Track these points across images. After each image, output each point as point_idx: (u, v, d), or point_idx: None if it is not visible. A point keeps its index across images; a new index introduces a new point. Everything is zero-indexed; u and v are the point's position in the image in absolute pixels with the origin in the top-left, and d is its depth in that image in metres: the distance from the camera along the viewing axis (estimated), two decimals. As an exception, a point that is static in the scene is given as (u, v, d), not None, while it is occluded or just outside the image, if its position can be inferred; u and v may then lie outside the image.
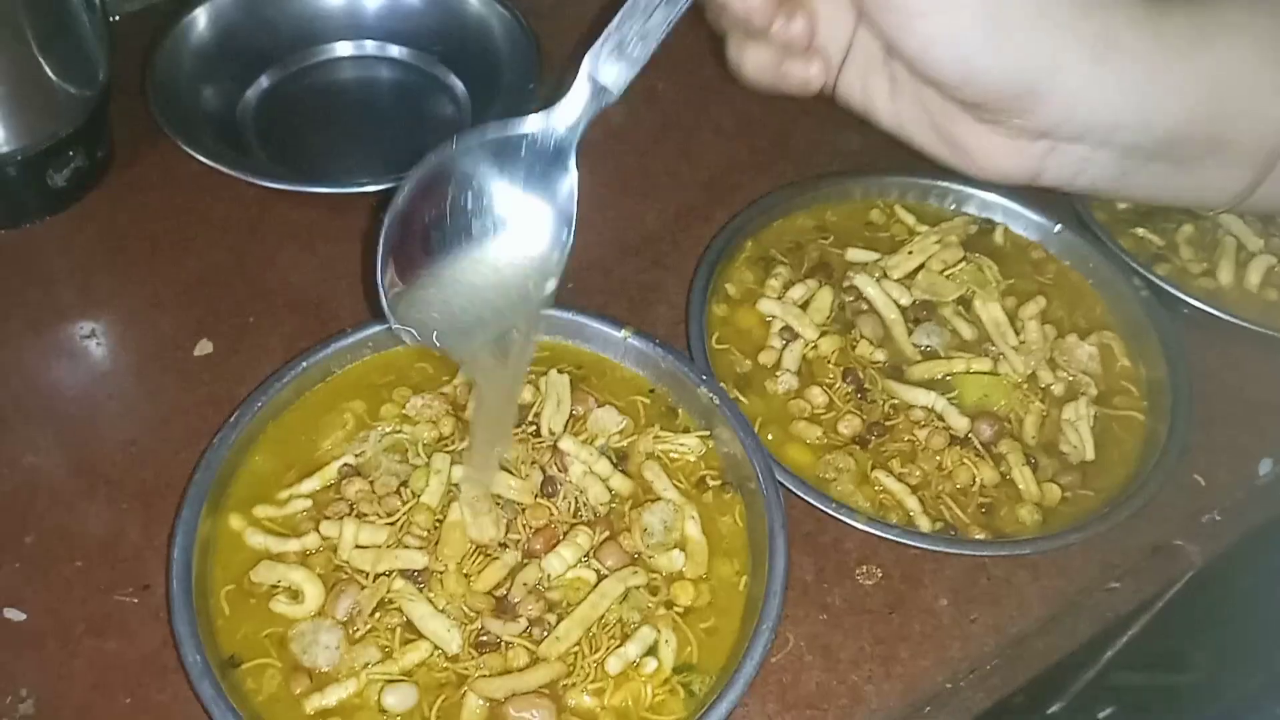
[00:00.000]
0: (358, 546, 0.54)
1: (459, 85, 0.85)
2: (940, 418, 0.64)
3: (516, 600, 0.54)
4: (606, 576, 0.56)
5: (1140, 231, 0.75)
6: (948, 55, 0.45)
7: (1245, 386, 0.71)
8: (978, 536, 0.60)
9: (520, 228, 0.50)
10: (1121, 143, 0.47)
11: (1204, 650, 1.40)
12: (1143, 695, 1.41)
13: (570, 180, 0.51)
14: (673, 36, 0.93)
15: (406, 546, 0.54)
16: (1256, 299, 0.73)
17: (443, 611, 0.53)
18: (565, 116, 0.51)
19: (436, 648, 0.52)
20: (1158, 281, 0.70)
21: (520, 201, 0.49)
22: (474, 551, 0.55)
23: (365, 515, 0.56)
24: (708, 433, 0.63)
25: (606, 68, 0.47)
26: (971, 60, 0.44)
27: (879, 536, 0.60)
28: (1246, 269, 0.73)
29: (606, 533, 0.58)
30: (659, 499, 0.59)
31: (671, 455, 0.62)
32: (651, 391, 0.65)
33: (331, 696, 0.50)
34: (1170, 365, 0.67)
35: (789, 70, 0.50)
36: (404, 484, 0.57)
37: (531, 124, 0.51)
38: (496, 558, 0.55)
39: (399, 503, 0.56)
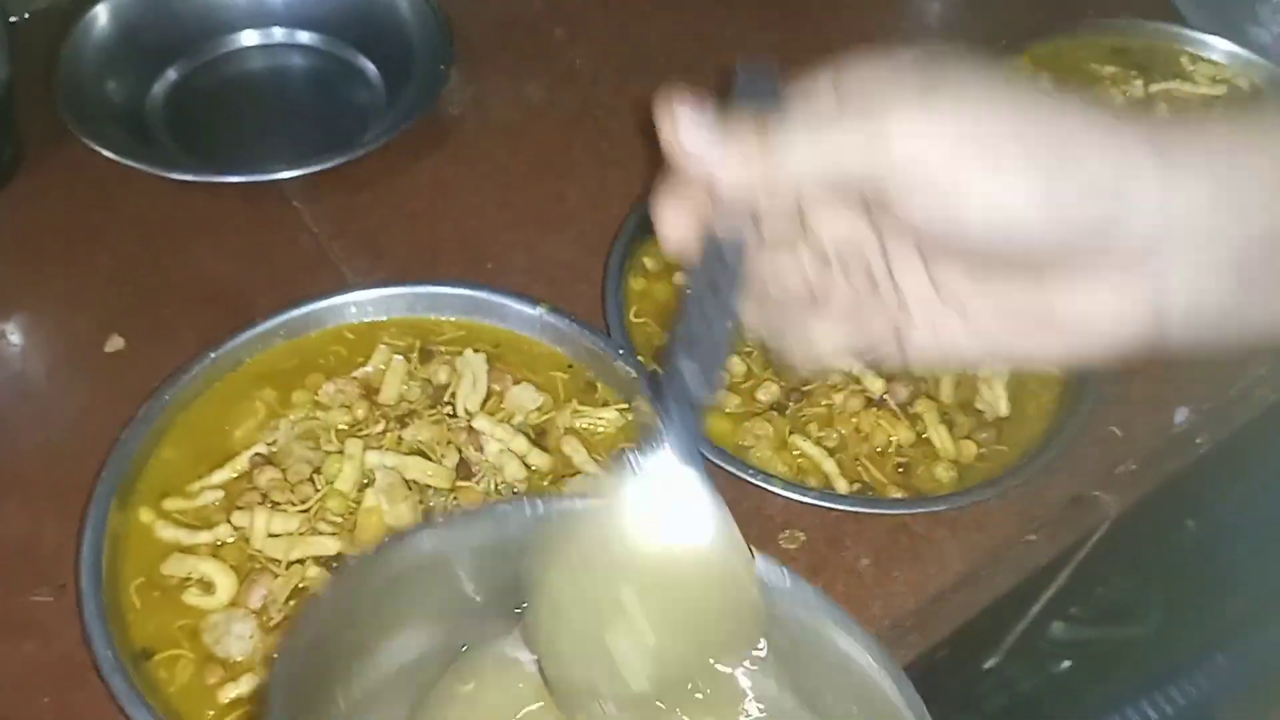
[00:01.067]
0: (270, 535, 0.54)
1: (372, 69, 0.84)
2: (857, 381, 0.65)
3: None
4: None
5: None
6: (1008, 218, 0.37)
7: (1160, 338, 0.72)
8: (895, 495, 0.61)
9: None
10: (1225, 245, 0.38)
11: (1155, 604, 1.43)
12: (1097, 648, 1.44)
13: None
14: (590, 12, 0.93)
15: (320, 533, 0.54)
16: (1168, 250, 0.74)
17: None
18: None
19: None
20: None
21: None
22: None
23: (278, 504, 0.55)
24: (627, 405, 0.63)
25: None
26: (1031, 212, 0.37)
27: (799, 501, 0.60)
28: (1158, 222, 0.74)
29: (526, 510, 0.58)
30: (579, 473, 0.60)
31: (591, 429, 0.62)
32: (570, 367, 0.65)
33: (245, 685, 0.50)
34: (1082, 319, 0.67)
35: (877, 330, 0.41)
36: (317, 471, 0.57)
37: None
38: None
39: (312, 490, 0.56)
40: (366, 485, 0.57)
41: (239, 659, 0.52)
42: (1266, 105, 0.41)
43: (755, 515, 0.62)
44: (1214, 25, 0.90)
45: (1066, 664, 1.44)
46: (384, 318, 0.66)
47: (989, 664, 0.82)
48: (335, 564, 0.54)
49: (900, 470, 0.62)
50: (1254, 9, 0.92)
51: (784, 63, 0.88)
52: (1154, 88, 0.83)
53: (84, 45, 0.77)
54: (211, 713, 0.51)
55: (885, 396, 0.64)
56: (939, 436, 0.63)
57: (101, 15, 0.78)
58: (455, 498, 0.57)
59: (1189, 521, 1.44)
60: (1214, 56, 0.88)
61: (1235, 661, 1.30)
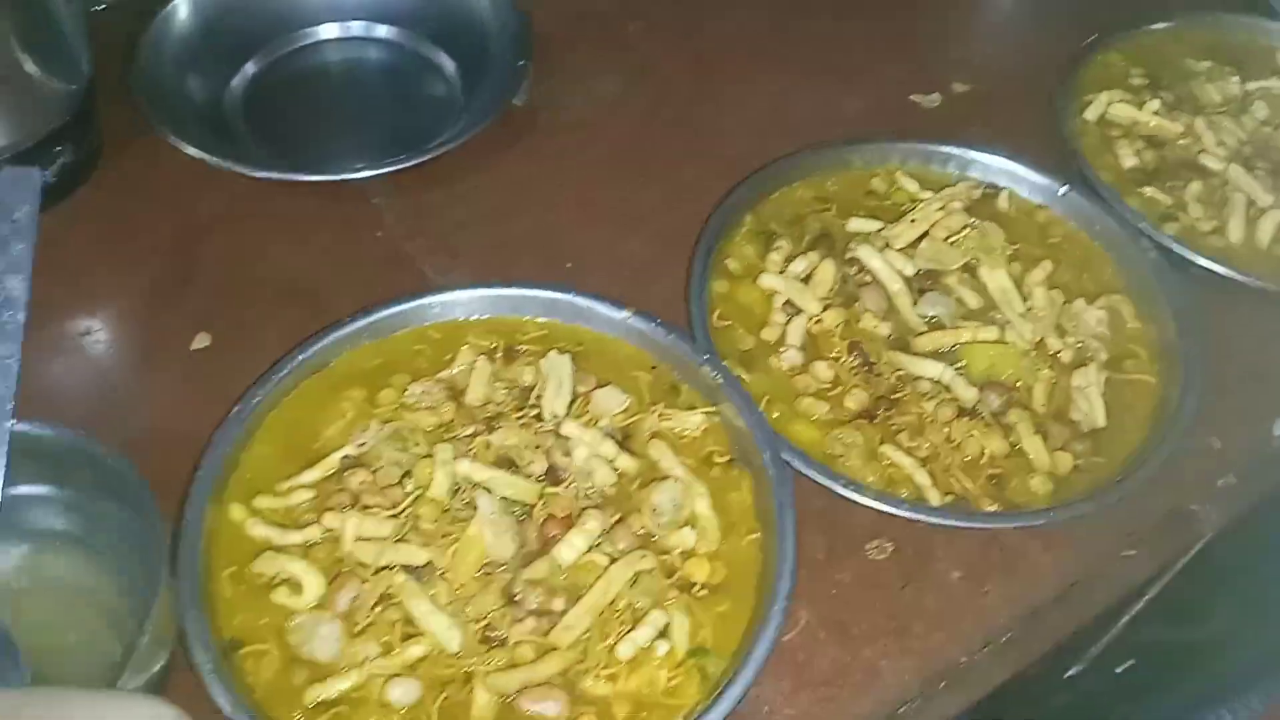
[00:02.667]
0: (360, 539, 0.54)
1: (449, 63, 0.83)
2: (948, 389, 0.63)
3: (520, 593, 0.53)
4: (617, 560, 0.55)
5: (1148, 191, 0.73)
6: None
7: (1258, 347, 0.69)
8: (989, 509, 0.60)
9: None
10: None
11: (1225, 603, 1.39)
12: (1162, 649, 1.40)
13: None
14: (663, 5, 0.92)
15: (409, 542, 0.54)
16: (1268, 256, 0.72)
17: (446, 607, 0.52)
18: None
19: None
20: (1166, 242, 0.69)
21: None
22: (486, 565, 0.55)
23: (369, 507, 0.55)
24: (713, 409, 0.62)
25: None
26: None
27: (889, 512, 0.59)
28: (1257, 226, 0.72)
29: (616, 515, 0.57)
30: (667, 477, 0.59)
31: (677, 433, 0.61)
32: (653, 368, 0.64)
33: (332, 688, 0.50)
34: (1180, 327, 0.65)
35: None
36: (407, 474, 0.57)
37: None
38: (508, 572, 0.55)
39: (402, 494, 0.56)
40: (458, 491, 0.56)
41: (324, 661, 0.51)
42: None
43: (843, 524, 0.61)
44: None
45: (1129, 664, 1.42)
46: (468, 318, 0.65)
47: (1071, 673, 0.81)
48: (422, 573, 0.53)
49: (993, 482, 0.61)
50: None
51: (865, 54, 0.86)
52: (1251, 85, 0.80)
53: (164, 38, 0.77)
54: (297, 714, 0.50)
55: (978, 405, 0.63)
56: (1034, 448, 0.61)
57: (181, 7, 0.78)
58: (545, 505, 0.56)
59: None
60: (1314, 51, 0.85)
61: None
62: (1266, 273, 0.70)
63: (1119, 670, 1.45)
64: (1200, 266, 0.69)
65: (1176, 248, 0.69)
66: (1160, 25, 0.85)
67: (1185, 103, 0.79)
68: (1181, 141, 0.77)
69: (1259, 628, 1.33)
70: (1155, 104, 0.78)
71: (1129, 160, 0.75)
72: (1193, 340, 0.65)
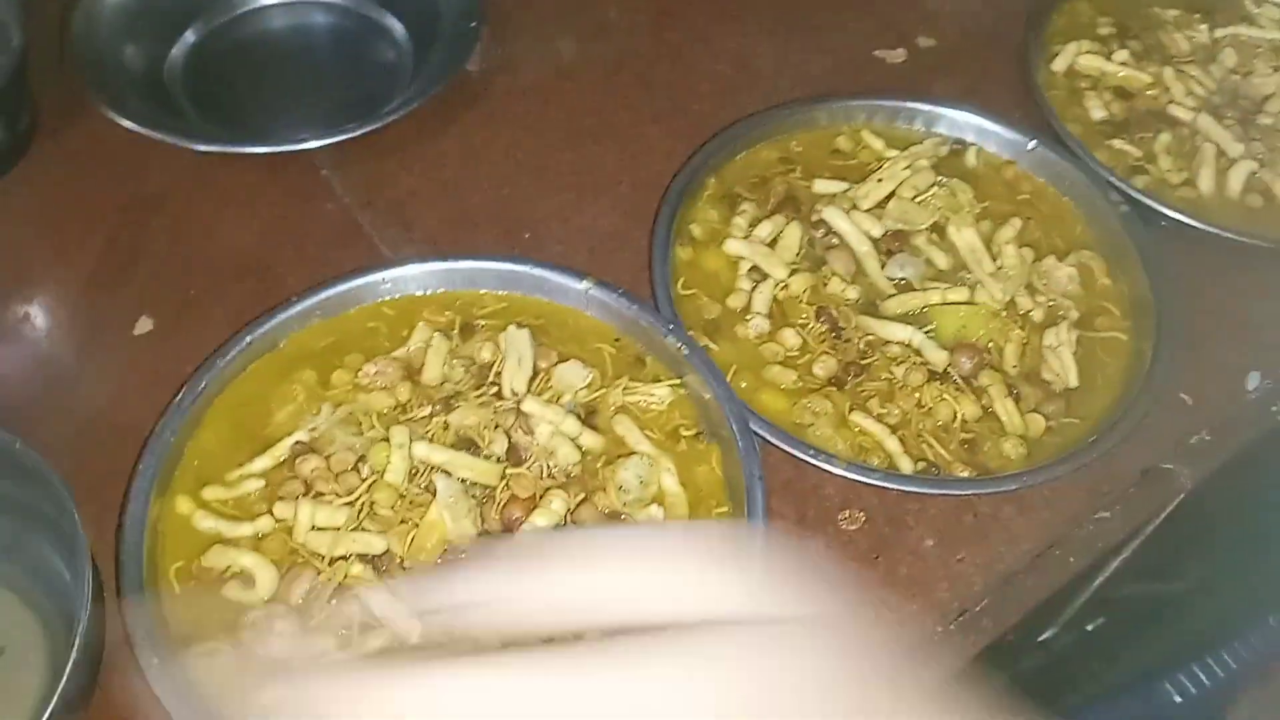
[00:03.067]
0: (315, 528, 0.52)
1: (398, 27, 0.80)
2: (918, 353, 0.62)
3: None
4: (581, 540, 0.53)
5: (1117, 143, 0.72)
6: None
7: (1230, 299, 0.68)
8: (962, 474, 0.58)
9: None
10: None
11: (1197, 559, 1.40)
12: (1134, 605, 1.41)
13: None
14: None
15: (365, 529, 0.52)
16: (1239, 207, 0.70)
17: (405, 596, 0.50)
18: None
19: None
20: (1136, 195, 0.68)
21: None
22: (446, 551, 0.53)
23: (322, 494, 0.53)
24: (678, 381, 0.60)
25: None
26: None
27: (860, 481, 0.58)
28: (1227, 176, 0.71)
29: (581, 493, 0.55)
30: (632, 453, 0.57)
31: (642, 406, 0.60)
32: (617, 340, 0.62)
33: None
34: (1152, 282, 0.64)
35: None
36: (362, 459, 0.55)
37: None
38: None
39: (357, 479, 0.54)
40: (416, 474, 0.54)
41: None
42: None
43: (813, 495, 0.60)
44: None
45: (1099, 621, 1.42)
46: (423, 293, 0.63)
47: (1044, 637, 0.80)
48: (381, 562, 0.51)
49: (966, 447, 0.60)
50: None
51: (830, 7, 0.83)
52: (1219, 32, 0.79)
53: (99, 7, 0.74)
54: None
55: (949, 369, 0.61)
56: (1006, 410, 0.60)
57: (115, -25, 0.75)
58: (506, 486, 0.54)
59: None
60: (1280, -3, 0.84)
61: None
62: (1237, 223, 0.68)
63: (1090, 628, 1.46)
64: (1170, 219, 0.67)
65: (1146, 200, 0.67)
66: (1128, -28, 0.83)
67: (1154, 52, 0.78)
68: (1150, 92, 0.75)
69: (1230, 582, 1.34)
70: (1123, 54, 0.76)
71: (1097, 112, 0.74)
72: (1164, 295, 0.64)
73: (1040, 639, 0.79)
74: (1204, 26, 0.79)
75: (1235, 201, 0.70)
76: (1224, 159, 0.71)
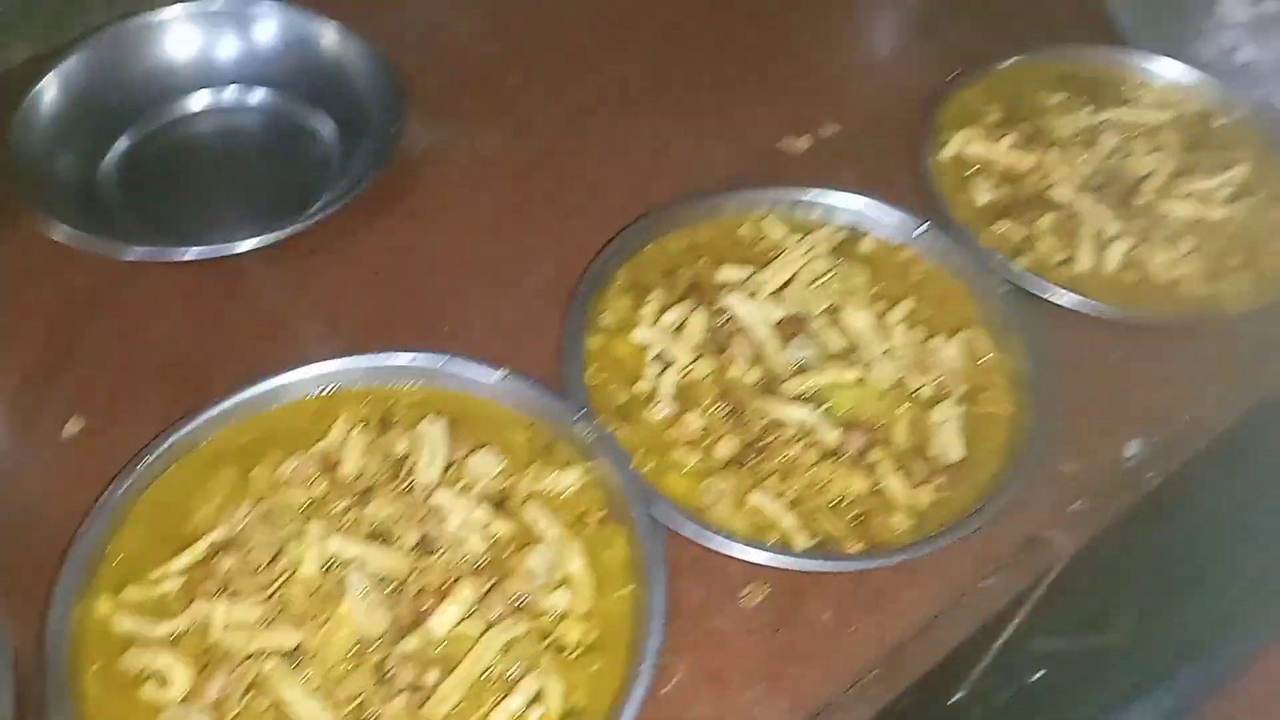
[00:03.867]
0: (229, 625, 0.54)
1: (328, 124, 0.84)
2: (813, 432, 0.66)
3: (392, 670, 0.54)
4: (492, 626, 0.56)
5: (1002, 226, 0.76)
6: None
7: (1110, 371, 0.73)
8: (854, 548, 0.62)
9: None
10: None
11: (1121, 612, 1.44)
12: (1072, 657, 1.45)
13: None
14: (543, 59, 0.93)
15: (279, 625, 0.54)
16: (1116, 283, 0.75)
17: (317, 690, 0.53)
18: None
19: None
20: (1018, 275, 0.72)
21: None
22: (359, 642, 0.55)
23: (238, 591, 0.56)
24: (588, 467, 0.63)
25: None
26: None
27: (759, 558, 0.61)
28: (1105, 254, 0.75)
29: (490, 581, 0.58)
30: (542, 539, 0.60)
31: (552, 492, 0.63)
32: (530, 428, 0.65)
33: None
34: (1033, 358, 0.68)
35: None
36: (277, 555, 0.57)
37: None
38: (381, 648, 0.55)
39: (272, 576, 0.56)
40: (330, 568, 0.57)
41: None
42: None
43: (718, 572, 0.63)
44: (1159, 43, 0.92)
45: (1041, 674, 1.46)
46: (343, 388, 0.66)
47: (956, 698, 0.83)
48: (294, 655, 0.54)
49: (857, 521, 0.63)
50: (1198, 25, 0.94)
51: (739, 101, 0.89)
52: (1100, 116, 0.84)
53: (34, 119, 0.77)
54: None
55: (841, 447, 0.65)
56: (894, 485, 0.64)
57: (51, 87, 0.78)
58: (418, 577, 0.57)
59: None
60: (1160, 81, 0.89)
61: (1210, 666, 1.31)
62: (1115, 300, 0.73)
63: (1030, 681, 1.49)
64: (1053, 296, 0.72)
65: (1028, 280, 0.72)
66: (1015, 60, 0.88)
67: (1039, 136, 0.83)
68: (1034, 175, 0.80)
69: (1156, 633, 1.38)
70: (1009, 139, 0.81)
71: (984, 196, 0.78)
72: (1044, 369, 0.68)
73: (950, 702, 0.82)
74: (1088, 110, 0.84)
75: (1113, 278, 0.75)
76: (1102, 238, 0.76)
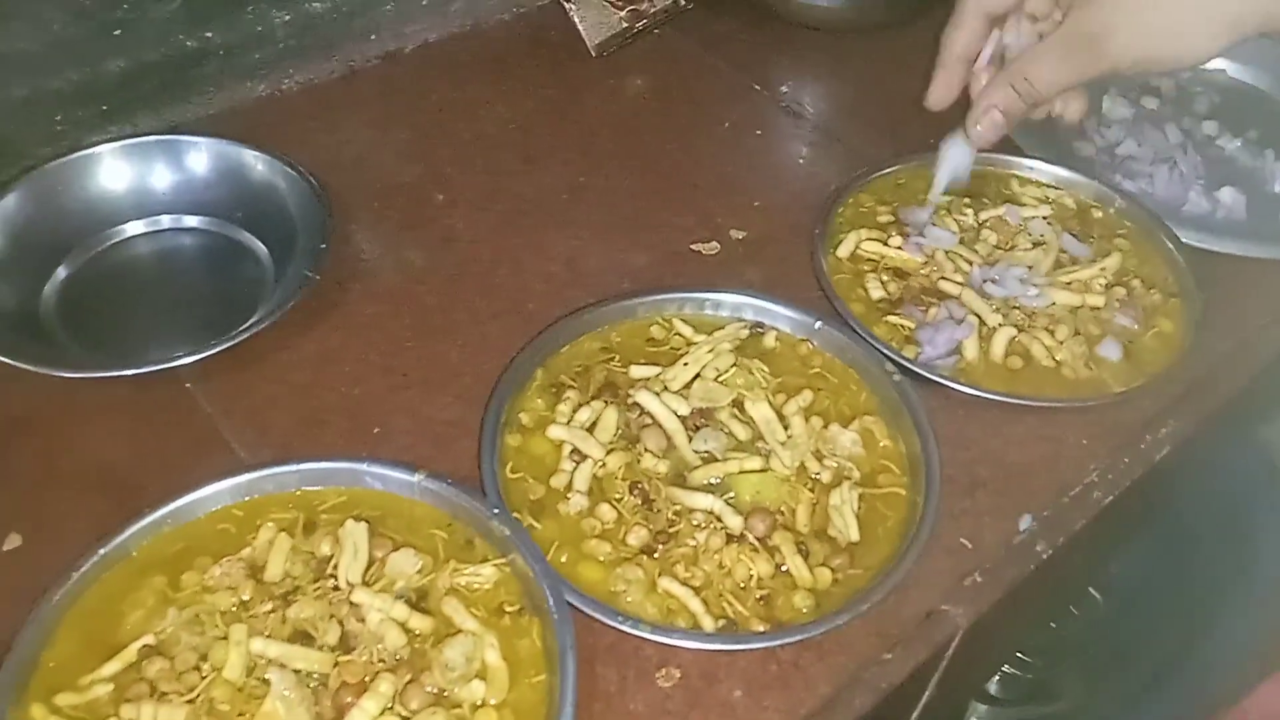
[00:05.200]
0: (156, 727, 0.57)
1: (260, 247, 0.89)
2: (718, 518, 0.69)
3: (313, 767, 0.56)
4: (409, 718, 0.59)
5: (891, 318, 0.82)
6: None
7: (1003, 451, 0.78)
8: (758, 629, 0.65)
9: None
10: None
11: (1071, 681, 1.49)
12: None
13: None
14: (465, 175, 0.99)
15: (201, 727, 0.57)
16: (1002, 369, 0.80)
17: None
18: None
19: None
20: (908, 364, 0.77)
21: None
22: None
23: (166, 694, 0.58)
24: (504, 560, 0.67)
25: None
26: None
27: (670, 641, 0.64)
28: (990, 343, 0.81)
29: (409, 675, 0.61)
30: (459, 632, 0.63)
31: (470, 587, 0.66)
32: (449, 526, 0.69)
33: None
34: (924, 441, 0.73)
35: None
36: (203, 657, 0.60)
37: None
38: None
39: (199, 678, 0.59)
40: (254, 668, 0.60)
41: None
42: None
43: (633, 656, 0.66)
44: (1045, 148, 0.99)
45: (996, 742, 1.49)
46: (270, 494, 0.69)
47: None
48: (217, 755, 0.56)
49: (762, 602, 0.67)
50: (1080, 126, 1.01)
51: (653, 208, 0.96)
52: (983, 215, 0.91)
53: (-29, 255, 0.81)
54: None
55: (744, 531, 0.69)
56: (796, 566, 0.67)
57: (-11, 225, 0.82)
58: (340, 674, 0.60)
59: (1095, 593, 1.51)
60: (1040, 178, 0.97)
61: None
62: (1002, 384, 0.78)
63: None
64: (940, 384, 0.77)
65: (916, 369, 0.77)
66: (905, 165, 0.95)
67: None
68: (923, 271, 0.86)
69: (1098, 697, 1.42)
70: (899, 239, 0.87)
71: (876, 291, 0.84)
72: (932, 451, 0.72)
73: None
74: (970, 210, 0.91)
75: (999, 364, 0.80)
76: (985, 328, 0.82)
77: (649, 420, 0.75)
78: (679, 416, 0.75)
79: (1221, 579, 1.40)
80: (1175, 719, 1.35)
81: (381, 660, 0.61)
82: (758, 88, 1.12)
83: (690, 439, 0.74)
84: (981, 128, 0.84)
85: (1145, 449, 0.79)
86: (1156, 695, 1.40)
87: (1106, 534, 0.82)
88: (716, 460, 0.73)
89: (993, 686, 1.47)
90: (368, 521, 0.67)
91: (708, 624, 0.65)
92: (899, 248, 0.87)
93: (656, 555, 0.68)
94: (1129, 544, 1.27)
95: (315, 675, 0.60)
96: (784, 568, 0.68)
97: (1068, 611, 1.44)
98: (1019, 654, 1.41)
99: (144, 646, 0.60)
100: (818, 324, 0.80)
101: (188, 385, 0.80)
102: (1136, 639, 1.44)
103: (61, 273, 0.85)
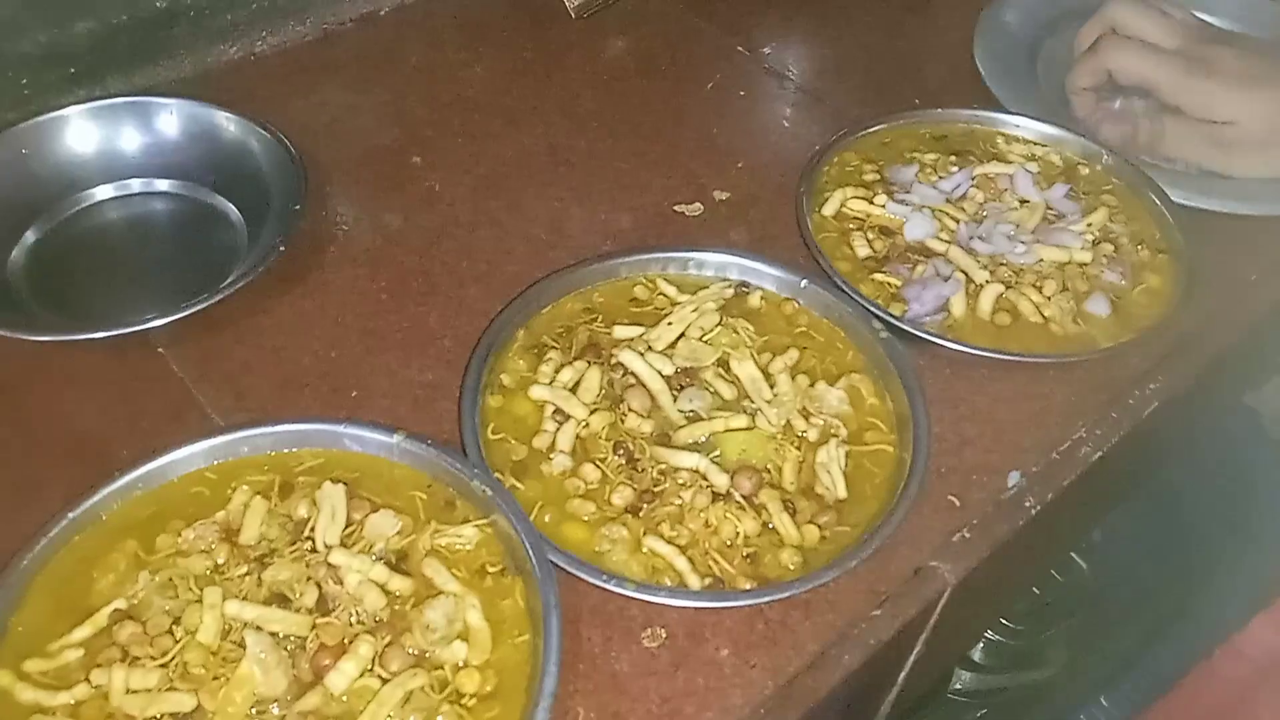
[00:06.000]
0: (129, 691, 0.55)
1: (233, 210, 0.87)
2: (704, 477, 0.68)
3: (291, 729, 0.55)
4: (389, 680, 0.58)
5: (878, 276, 0.81)
6: None
7: (989, 407, 0.77)
8: (745, 586, 0.64)
9: None
10: None
11: (1054, 647, 1.49)
12: (1009, 695, 1.49)
13: None
14: (444, 137, 0.97)
15: (176, 689, 0.55)
16: (990, 325, 0.79)
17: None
18: None
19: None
20: (895, 322, 0.76)
21: None
22: (258, 703, 0.56)
23: (138, 658, 0.57)
24: (485, 521, 0.65)
25: None
26: None
27: (655, 601, 0.63)
28: (978, 299, 0.80)
29: (389, 637, 0.60)
30: (440, 593, 0.62)
31: (451, 548, 0.64)
32: (429, 487, 0.67)
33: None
34: (911, 398, 0.72)
35: None
36: (176, 622, 0.58)
37: None
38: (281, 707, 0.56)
39: (172, 642, 0.57)
40: (229, 632, 0.58)
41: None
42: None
43: (618, 616, 0.65)
44: (1028, 108, 0.98)
45: (982, 713, 1.49)
46: (245, 457, 0.67)
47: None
48: (193, 717, 0.55)
49: (749, 560, 0.66)
50: (1064, 93, 1.00)
51: (635, 170, 0.95)
52: (973, 171, 0.89)
53: (-64, 221, 0.79)
54: None
55: (730, 490, 0.68)
56: (782, 524, 0.66)
57: (-46, 187, 0.80)
58: (317, 636, 0.58)
59: (1081, 562, 1.51)
60: (1026, 135, 0.95)
61: (1135, 687, 1.36)
62: (990, 340, 0.77)
63: (977, 717, 1.54)
64: (927, 341, 0.76)
65: (904, 326, 0.76)
66: (888, 124, 0.94)
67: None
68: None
69: (1084, 663, 1.43)
70: (884, 197, 0.86)
71: (862, 249, 0.83)
72: (919, 408, 0.71)
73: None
74: (955, 168, 0.90)
75: (986, 321, 0.79)
76: (973, 285, 0.81)
77: (633, 380, 0.74)
78: (663, 376, 0.74)
79: (1208, 543, 1.40)
80: (1164, 681, 1.36)
81: (360, 622, 0.60)
82: (741, 49, 1.11)
83: (675, 398, 0.73)
84: None
85: (1134, 405, 0.78)
86: (1141, 661, 1.41)
87: (1094, 493, 0.82)
88: (702, 419, 0.72)
89: (977, 654, 1.46)
90: (345, 484, 0.66)
91: (694, 582, 0.64)
92: (884, 206, 0.86)
93: (641, 515, 0.67)
94: (1115, 506, 1.27)
95: (293, 638, 0.59)
96: (770, 525, 0.67)
97: (1051, 577, 1.44)
98: (1003, 620, 1.40)
99: (115, 611, 0.59)
100: (804, 282, 0.79)
101: (160, 350, 0.78)
102: (1122, 604, 1.44)
103: (30, 237, 0.83)
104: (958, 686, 1.50)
